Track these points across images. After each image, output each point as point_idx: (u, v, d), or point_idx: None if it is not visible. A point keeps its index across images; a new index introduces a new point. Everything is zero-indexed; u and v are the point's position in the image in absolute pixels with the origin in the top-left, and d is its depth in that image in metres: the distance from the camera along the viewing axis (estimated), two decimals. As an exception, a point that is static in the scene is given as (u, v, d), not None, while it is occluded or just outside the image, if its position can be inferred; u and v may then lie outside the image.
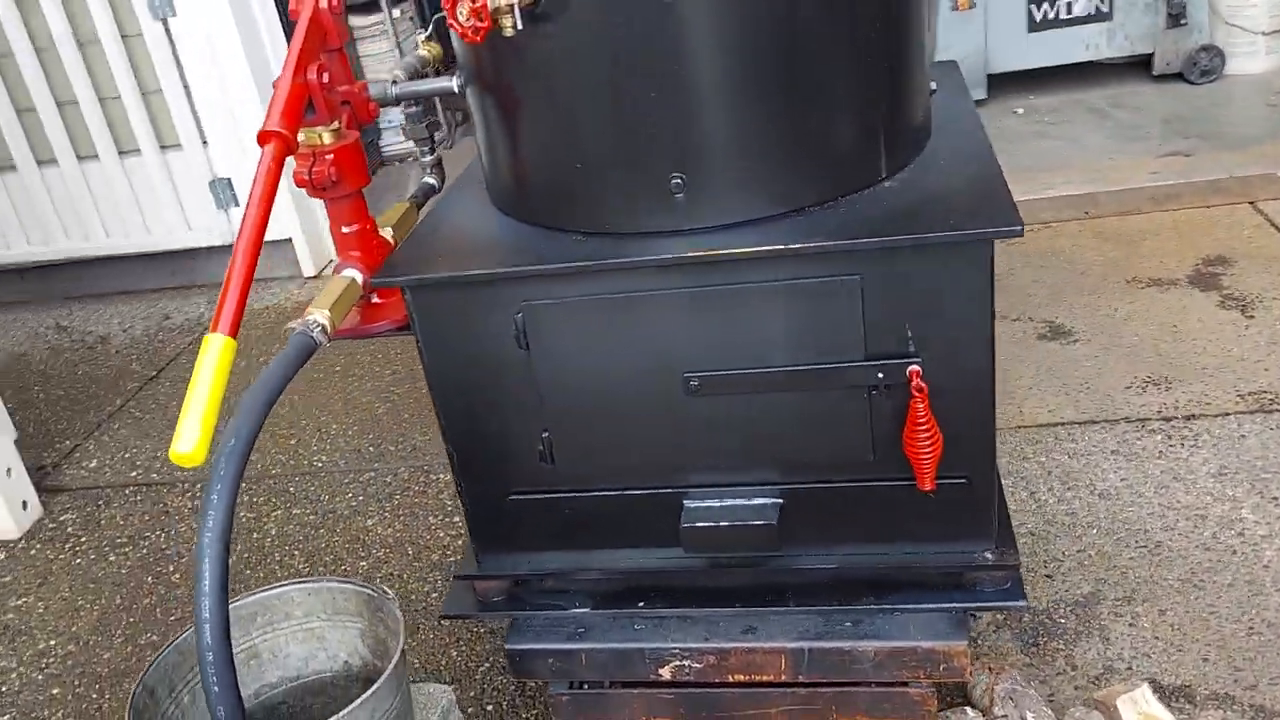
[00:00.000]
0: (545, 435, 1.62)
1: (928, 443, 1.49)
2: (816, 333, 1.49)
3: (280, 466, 3.08)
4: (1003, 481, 2.42)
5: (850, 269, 1.45)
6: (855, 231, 1.44)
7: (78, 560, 2.82)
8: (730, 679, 1.67)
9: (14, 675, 2.45)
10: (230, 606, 1.55)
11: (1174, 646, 1.98)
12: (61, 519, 3.02)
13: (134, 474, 3.18)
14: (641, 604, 1.69)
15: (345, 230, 1.68)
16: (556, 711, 1.75)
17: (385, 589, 1.56)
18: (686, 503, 1.63)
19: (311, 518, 2.82)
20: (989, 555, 1.61)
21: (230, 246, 1.63)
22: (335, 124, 1.62)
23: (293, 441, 3.19)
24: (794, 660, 1.63)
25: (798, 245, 1.43)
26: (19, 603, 2.69)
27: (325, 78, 1.57)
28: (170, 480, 3.11)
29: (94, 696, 2.33)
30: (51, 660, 2.46)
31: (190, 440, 1.25)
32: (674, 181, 1.47)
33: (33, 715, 2.30)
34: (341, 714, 1.36)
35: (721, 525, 1.59)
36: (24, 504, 2.99)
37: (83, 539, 2.91)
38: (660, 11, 1.37)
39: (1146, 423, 2.59)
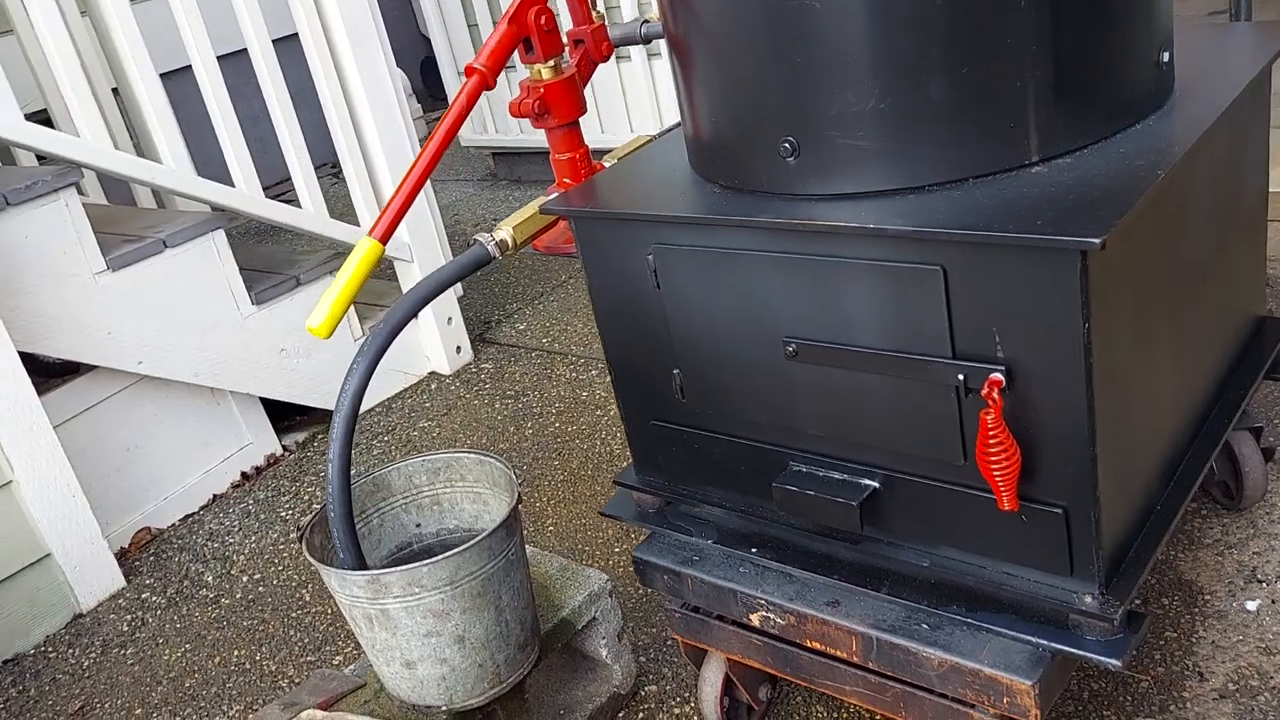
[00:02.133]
0: (676, 372, 1.72)
1: (1000, 459, 1.36)
2: (902, 320, 1.41)
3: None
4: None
5: (932, 258, 1.35)
6: (943, 219, 1.34)
7: (475, 402, 3.42)
8: (808, 644, 1.68)
9: (394, 479, 3.09)
10: (421, 459, 1.90)
11: None
12: (482, 366, 3.65)
13: (544, 340, 3.72)
14: (754, 550, 1.74)
15: (559, 157, 1.88)
16: (670, 624, 1.88)
17: (512, 474, 1.80)
18: (791, 464, 1.65)
19: (648, 408, 3.12)
20: (1089, 599, 1.43)
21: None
22: (554, 61, 1.81)
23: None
24: (863, 645, 1.60)
25: (872, 225, 1.36)
26: (425, 424, 3.35)
27: (543, 20, 1.77)
28: (564, 351, 3.59)
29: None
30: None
31: (318, 318, 1.57)
32: (783, 145, 1.47)
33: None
34: (427, 561, 1.64)
35: (808, 493, 1.59)
36: (458, 348, 3.66)
37: (487, 386, 3.50)
38: (763, -26, 1.37)
39: None
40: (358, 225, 3.43)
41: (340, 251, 3.40)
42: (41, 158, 2.93)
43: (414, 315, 1.67)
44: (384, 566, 1.91)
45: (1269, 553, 2.07)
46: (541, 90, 1.80)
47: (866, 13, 1.35)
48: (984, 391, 1.34)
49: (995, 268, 1.31)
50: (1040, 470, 1.39)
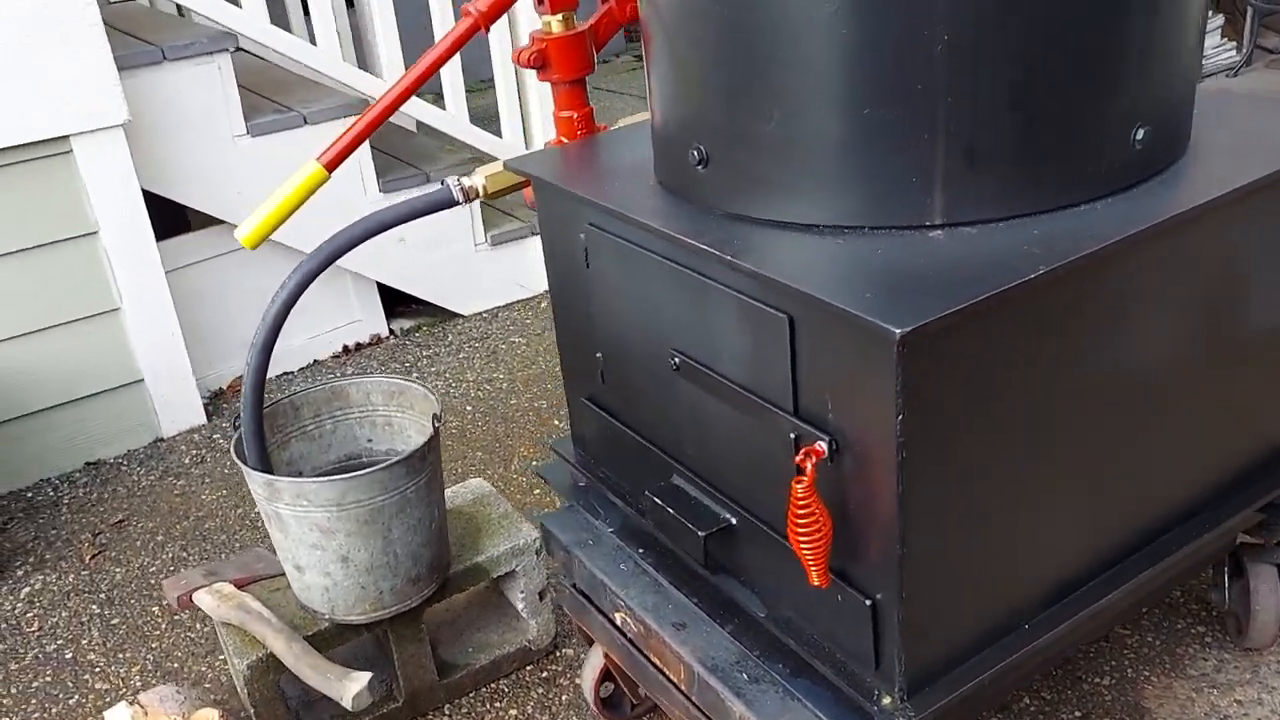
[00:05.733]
0: (599, 355, 1.68)
1: (807, 533, 1.26)
2: (757, 361, 1.32)
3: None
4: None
5: (782, 305, 1.25)
6: (794, 267, 1.23)
7: (571, 329, 3.46)
8: (651, 659, 1.64)
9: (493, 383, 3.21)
10: (380, 379, 1.98)
11: None
12: (596, 295, 3.68)
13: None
14: (641, 549, 1.71)
15: (561, 114, 1.85)
16: (562, 599, 1.88)
17: (438, 416, 1.83)
18: (675, 476, 1.59)
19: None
20: (886, 701, 1.32)
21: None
22: (564, 15, 1.77)
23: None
24: (688, 677, 1.54)
25: (729, 256, 1.27)
26: (517, 339, 3.45)
27: (556, -27, 1.73)
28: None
29: (499, 424, 2.98)
30: (484, 390, 3.17)
31: (245, 230, 1.64)
32: (693, 152, 1.39)
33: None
34: (343, 476, 1.71)
35: (668, 511, 1.53)
36: (577, 273, 3.69)
37: (589, 316, 3.53)
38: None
39: None
40: (499, 136, 3.50)
41: (477, 156, 3.50)
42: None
43: (355, 246, 1.72)
44: (330, 471, 2.01)
45: (1254, 705, 1.81)
46: (544, 44, 1.77)
47: (777, 28, 1.24)
48: (799, 459, 1.24)
49: (831, 332, 1.20)
50: (858, 554, 1.29)
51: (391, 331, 3.57)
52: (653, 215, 1.42)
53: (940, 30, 1.16)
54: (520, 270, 3.67)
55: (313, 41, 3.18)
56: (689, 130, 1.39)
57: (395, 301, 3.61)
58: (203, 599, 1.90)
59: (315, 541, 1.76)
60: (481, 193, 1.78)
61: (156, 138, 2.91)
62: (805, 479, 1.24)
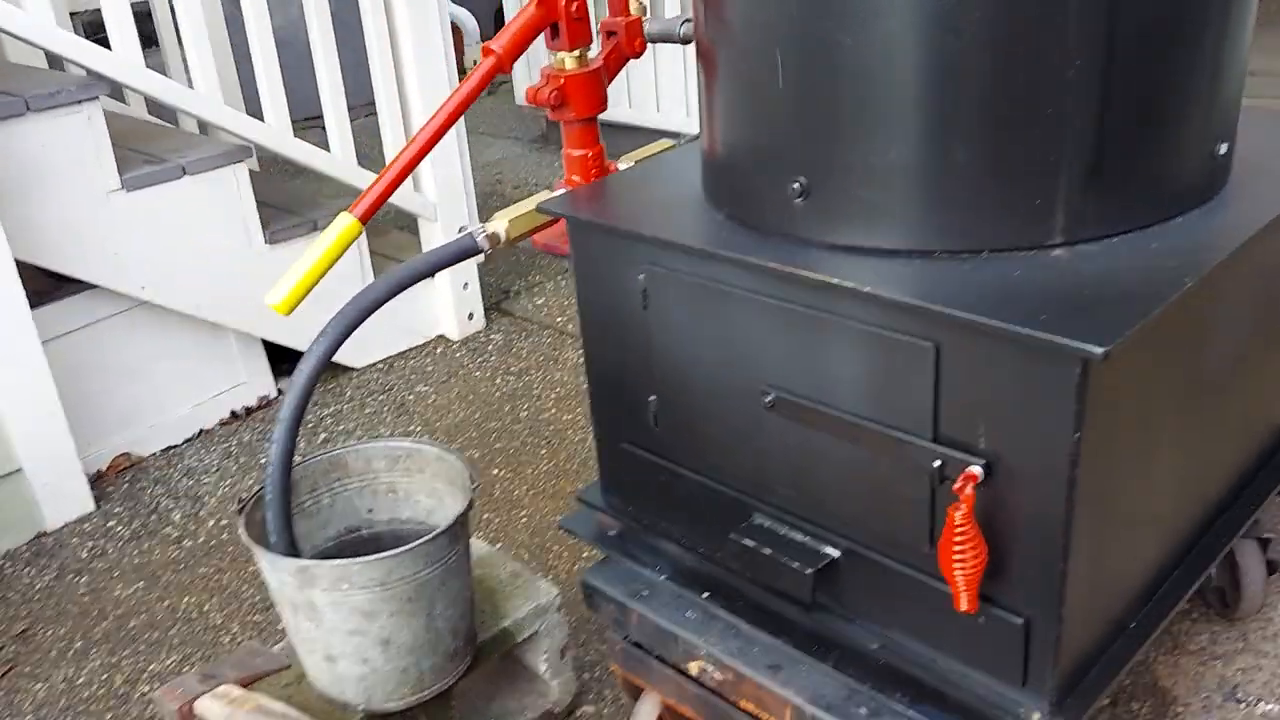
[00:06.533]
0: (653, 399, 1.63)
1: (964, 559, 1.26)
2: (887, 391, 1.31)
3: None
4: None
5: (927, 334, 1.25)
6: (945, 294, 1.23)
7: (477, 374, 3.34)
8: (741, 705, 1.59)
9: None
10: (383, 444, 1.83)
11: None
12: (492, 336, 3.57)
13: (559, 319, 3.63)
14: (705, 594, 1.66)
15: (572, 153, 1.78)
16: (611, 654, 1.80)
17: (472, 476, 1.72)
18: (755, 515, 1.55)
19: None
20: (1036, 716, 1.33)
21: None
22: (579, 51, 1.71)
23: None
24: (796, 718, 1.51)
25: (867, 288, 1.26)
26: (423, 389, 3.28)
27: (574, 7, 1.66)
28: (576, 334, 3.50)
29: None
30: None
31: (279, 294, 1.49)
32: (793, 185, 1.37)
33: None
34: (361, 559, 1.57)
35: (764, 551, 1.50)
36: (470, 315, 3.58)
37: (492, 359, 3.43)
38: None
39: None
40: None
41: (363, 202, 3.32)
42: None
43: (381, 304, 1.59)
44: (330, 549, 1.85)
45: (1254, 671, 1.95)
46: (562, 80, 1.70)
47: (901, 59, 1.24)
48: (956, 485, 1.24)
49: (991, 356, 1.20)
50: (1006, 575, 1.29)
51: (280, 391, 3.34)
52: (751, 251, 1.39)
53: (1073, 56, 1.20)
54: (411, 316, 3.51)
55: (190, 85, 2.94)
56: (786, 163, 1.37)
57: (279, 359, 3.37)
58: (208, 706, 1.70)
59: (355, 627, 1.61)
60: (504, 238, 1.69)
61: (18, 198, 2.60)
62: (964, 506, 1.24)
